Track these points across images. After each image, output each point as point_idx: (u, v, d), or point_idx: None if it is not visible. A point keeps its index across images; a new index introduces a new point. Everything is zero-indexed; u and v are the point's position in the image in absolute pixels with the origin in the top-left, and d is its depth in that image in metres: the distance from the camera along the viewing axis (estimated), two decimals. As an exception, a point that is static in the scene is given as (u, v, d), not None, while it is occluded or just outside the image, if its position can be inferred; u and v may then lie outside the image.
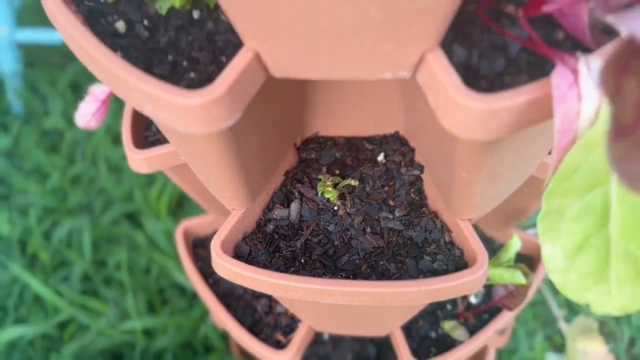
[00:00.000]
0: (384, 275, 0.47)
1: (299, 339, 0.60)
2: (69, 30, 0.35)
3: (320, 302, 0.44)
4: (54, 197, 1.19)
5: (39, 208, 1.17)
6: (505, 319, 0.63)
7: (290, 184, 0.53)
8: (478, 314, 0.63)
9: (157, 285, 1.07)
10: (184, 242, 0.70)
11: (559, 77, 0.28)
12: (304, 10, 0.28)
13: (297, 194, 0.52)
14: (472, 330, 0.61)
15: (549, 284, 1.02)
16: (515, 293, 0.56)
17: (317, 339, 0.81)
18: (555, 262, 0.31)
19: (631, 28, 0.20)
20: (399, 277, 0.46)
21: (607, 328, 1.06)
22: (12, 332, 0.93)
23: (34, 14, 1.52)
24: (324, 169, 0.54)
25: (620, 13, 0.22)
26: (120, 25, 0.40)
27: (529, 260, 0.69)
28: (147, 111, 0.33)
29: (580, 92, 0.28)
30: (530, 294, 0.64)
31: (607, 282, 0.30)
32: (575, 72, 0.28)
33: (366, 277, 0.47)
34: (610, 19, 0.25)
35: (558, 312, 0.80)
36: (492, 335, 0.61)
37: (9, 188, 1.21)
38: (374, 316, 0.56)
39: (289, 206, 0.51)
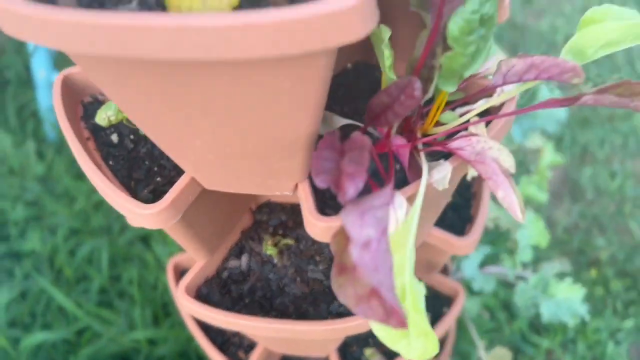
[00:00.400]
0: (304, 315, 0.64)
1: (255, 357, 0.77)
2: (73, 148, 0.53)
3: (257, 334, 0.61)
4: (79, 219, 1.38)
5: (65, 228, 1.36)
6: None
7: (244, 240, 0.70)
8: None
9: (162, 299, 1.25)
10: (173, 274, 0.87)
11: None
12: (214, 163, 0.45)
13: (248, 248, 0.69)
14: (391, 355, 0.77)
15: (473, 320, 1.17)
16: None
17: (285, 356, 0.98)
18: (375, 324, 0.47)
19: (345, 221, 0.36)
20: (314, 318, 0.63)
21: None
22: (39, 336, 1.12)
23: (67, 59, 1.72)
24: (271, 229, 0.71)
25: (348, 208, 0.37)
26: (114, 138, 0.58)
27: (448, 299, 0.84)
28: (124, 213, 0.50)
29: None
30: (446, 327, 0.80)
31: (408, 338, 0.46)
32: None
33: (290, 316, 0.63)
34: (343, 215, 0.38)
35: (479, 343, 0.95)
36: None
37: (42, 210, 1.41)
38: (307, 344, 0.73)
39: (240, 258, 0.68)
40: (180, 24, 0.29)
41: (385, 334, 0.47)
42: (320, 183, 0.36)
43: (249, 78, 0.33)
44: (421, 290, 0.45)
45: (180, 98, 0.36)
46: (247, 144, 0.41)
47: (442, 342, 0.95)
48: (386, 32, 0.39)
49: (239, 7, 0.31)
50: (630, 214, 1.43)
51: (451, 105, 0.51)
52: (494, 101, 0.50)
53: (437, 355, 0.93)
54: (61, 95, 0.55)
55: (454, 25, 0.36)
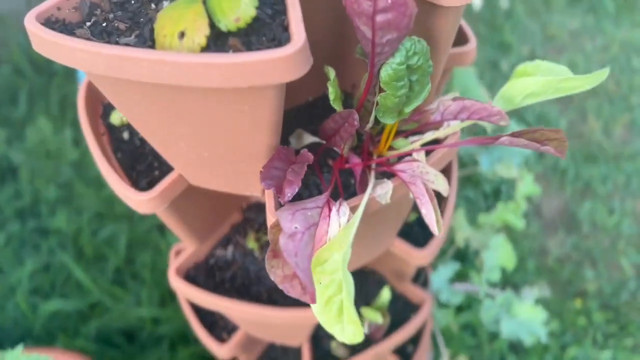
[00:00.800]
0: (274, 303, 0.73)
1: (236, 338, 0.87)
2: (87, 140, 0.64)
3: (233, 315, 0.70)
4: (104, 204, 1.51)
5: (91, 211, 1.49)
6: (382, 346, 0.87)
7: (232, 233, 0.80)
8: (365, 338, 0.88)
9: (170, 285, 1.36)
10: (174, 258, 0.98)
11: (325, 210, 0.54)
12: (196, 163, 0.55)
13: (234, 241, 0.79)
14: (355, 350, 0.86)
15: (442, 331, 1.24)
16: (380, 328, 0.80)
17: (272, 345, 1.08)
18: (317, 309, 0.56)
19: (279, 216, 0.45)
20: (282, 305, 0.72)
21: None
22: (56, 304, 1.25)
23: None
24: (257, 226, 0.81)
25: (285, 206, 0.47)
26: (126, 135, 0.69)
27: (417, 307, 0.92)
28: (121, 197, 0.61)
29: (329, 220, 0.53)
30: (411, 331, 0.88)
31: (342, 323, 0.55)
32: (330, 210, 0.54)
33: (262, 303, 0.73)
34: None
35: (444, 350, 1.02)
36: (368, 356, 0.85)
37: (72, 192, 1.54)
38: (279, 330, 0.82)
39: (227, 248, 0.78)
40: (160, 58, 0.39)
41: (324, 319, 0.56)
42: (265, 186, 0.45)
43: (215, 101, 0.43)
44: (352, 285, 0.54)
45: (164, 111, 0.46)
46: (219, 150, 0.51)
47: (413, 351, 1.03)
48: (331, 73, 0.49)
49: (207, 48, 0.41)
50: (624, 251, 1.48)
51: (405, 133, 0.60)
52: (439, 134, 0.58)
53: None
54: (85, 96, 0.66)
55: (384, 73, 0.46)
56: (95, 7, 0.47)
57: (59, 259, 1.38)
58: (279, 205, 0.56)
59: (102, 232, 1.43)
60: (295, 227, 0.44)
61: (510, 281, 1.38)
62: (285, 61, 0.39)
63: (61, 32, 0.44)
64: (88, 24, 0.46)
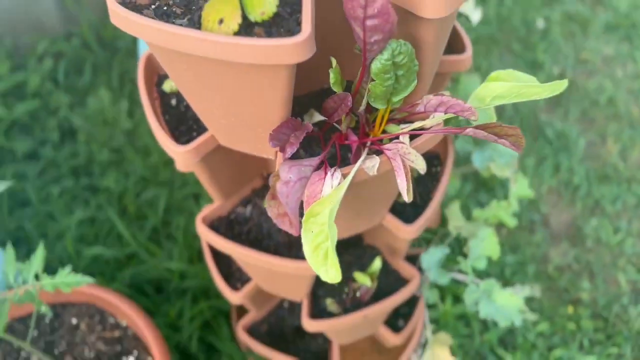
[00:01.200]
0: (279, 254, 0.87)
1: (247, 288, 1.01)
2: (143, 102, 0.79)
3: (244, 262, 0.85)
4: (149, 170, 1.68)
5: (137, 175, 1.66)
6: (371, 309, 0.99)
7: (253, 195, 0.94)
8: (356, 301, 1.00)
9: (199, 247, 1.51)
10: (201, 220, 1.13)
11: (319, 175, 0.67)
12: (225, 126, 0.69)
13: (253, 202, 0.93)
14: (347, 310, 0.99)
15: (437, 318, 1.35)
16: (368, 291, 0.93)
17: (279, 305, 1.22)
18: (308, 254, 0.69)
19: (279, 168, 0.58)
20: (286, 257, 0.86)
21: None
22: (97, 249, 1.42)
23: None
24: (274, 192, 0.94)
25: (285, 162, 0.60)
26: (174, 101, 0.84)
27: (407, 282, 1.04)
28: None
29: (324, 182, 0.67)
30: (398, 300, 1.00)
31: (326, 266, 0.68)
32: (326, 174, 0.67)
33: (271, 253, 0.87)
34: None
35: (428, 325, 1.13)
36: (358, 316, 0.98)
37: (122, 157, 1.72)
38: (282, 281, 0.96)
39: (247, 207, 0.93)
40: (203, 37, 0.53)
41: (313, 262, 0.69)
42: (272, 145, 0.59)
43: (242, 75, 0.57)
44: (336, 235, 0.67)
45: (204, 81, 0.61)
46: (244, 117, 0.65)
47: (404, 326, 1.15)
48: (334, 62, 0.62)
49: (238, 33, 0.55)
50: (623, 267, 1.56)
51: (397, 120, 0.73)
52: (424, 123, 0.71)
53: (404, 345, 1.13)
54: (144, 66, 0.81)
55: (374, 66, 0.59)
56: (160, -7, 0.62)
57: (105, 213, 1.56)
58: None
59: (145, 194, 1.60)
60: (290, 177, 0.57)
61: (509, 283, 1.49)
62: (294, 47, 0.52)
63: (132, 10, 0.59)
64: (153, 6, 0.61)
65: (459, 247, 1.45)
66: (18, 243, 1.48)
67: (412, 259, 1.10)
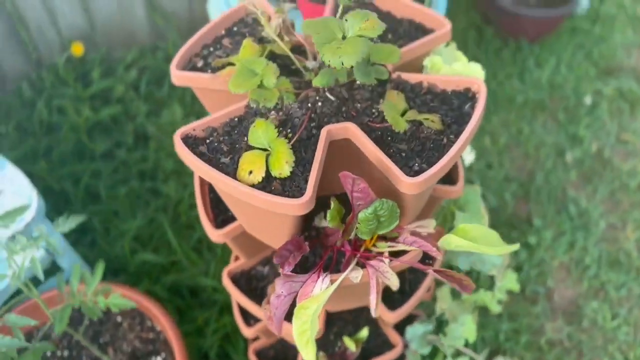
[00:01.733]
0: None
1: (259, 326, 1.22)
2: (195, 183, 1.00)
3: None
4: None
5: (193, 188, 1.90)
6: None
7: (271, 257, 1.14)
8: (345, 358, 1.20)
9: (233, 264, 1.74)
10: (233, 261, 1.35)
11: (313, 278, 0.87)
12: (250, 227, 0.89)
13: (271, 263, 1.13)
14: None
15: None
16: (352, 354, 1.12)
17: (288, 335, 1.42)
18: (296, 336, 0.89)
19: (276, 282, 0.77)
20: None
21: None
22: (148, 256, 1.67)
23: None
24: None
25: (282, 276, 0.79)
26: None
27: (392, 347, 1.22)
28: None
29: (316, 284, 0.86)
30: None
31: (307, 349, 0.88)
32: (318, 277, 0.87)
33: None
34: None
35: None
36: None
37: (184, 169, 1.96)
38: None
39: (265, 267, 1.13)
40: (234, 185, 0.73)
41: (298, 341, 0.88)
42: (276, 261, 0.79)
43: (262, 210, 0.77)
44: (317, 328, 0.86)
45: (235, 202, 0.81)
46: (261, 227, 0.85)
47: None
48: (334, 204, 0.81)
49: (261, 182, 0.74)
50: (612, 354, 1.67)
51: (387, 240, 0.91)
52: (407, 247, 0.89)
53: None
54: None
55: (360, 216, 0.77)
56: (214, 131, 0.82)
57: (160, 218, 1.81)
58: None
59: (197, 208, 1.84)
60: (282, 292, 0.77)
61: (501, 348, 1.64)
62: (296, 206, 0.71)
63: (191, 145, 0.79)
64: (207, 141, 0.81)
65: (442, 324, 1.59)
66: (83, 235, 1.76)
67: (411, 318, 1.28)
